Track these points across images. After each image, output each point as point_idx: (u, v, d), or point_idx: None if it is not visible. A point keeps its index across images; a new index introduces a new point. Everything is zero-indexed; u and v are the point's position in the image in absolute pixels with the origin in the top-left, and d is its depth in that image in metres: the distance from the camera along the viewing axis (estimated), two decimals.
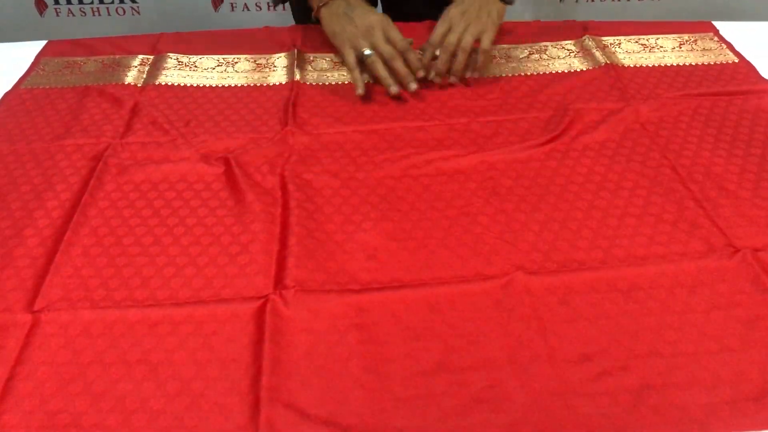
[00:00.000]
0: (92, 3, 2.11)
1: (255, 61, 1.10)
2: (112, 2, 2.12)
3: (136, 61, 1.10)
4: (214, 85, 1.04)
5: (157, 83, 1.04)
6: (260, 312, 0.67)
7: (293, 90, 1.02)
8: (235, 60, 1.10)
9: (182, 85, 1.04)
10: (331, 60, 1.10)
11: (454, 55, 1.00)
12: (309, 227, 0.77)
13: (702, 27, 1.17)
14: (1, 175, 0.85)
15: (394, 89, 0.98)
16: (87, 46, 1.14)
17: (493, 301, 0.68)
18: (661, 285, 0.69)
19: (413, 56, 1.00)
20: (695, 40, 1.13)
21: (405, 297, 0.69)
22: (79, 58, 1.11)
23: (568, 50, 1.11)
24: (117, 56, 1.11)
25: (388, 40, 0.99)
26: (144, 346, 0.64)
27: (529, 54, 1.10)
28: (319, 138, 0.92)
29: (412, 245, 0.75)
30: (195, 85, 1.04)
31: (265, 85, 1.04)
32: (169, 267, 0.73)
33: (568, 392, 0.60)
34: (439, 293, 0.69)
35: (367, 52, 0.99)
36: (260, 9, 2.06)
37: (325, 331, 0.66)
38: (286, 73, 1.07)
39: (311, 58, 1.10)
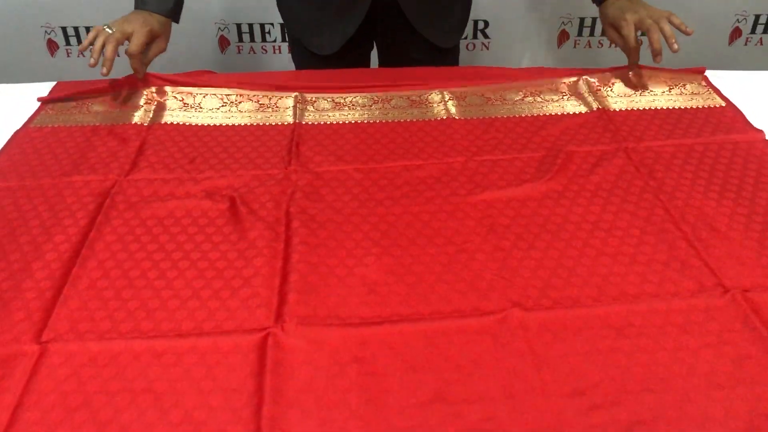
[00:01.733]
0: None
1: (258, 101, 1.13)
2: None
3: (142, 101, 1.13)
4: (218, 124, 1.07)
5: (163, 122, 1.07)
6: (262, 344, 0.69)
7: (295, 129, 1.05)
8: (239, 100, 1.13)
9: (187, 124, 1.07)
10: (332, 100, 1.13)
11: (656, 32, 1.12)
12: (311, 261, 0.79)
13: (692, 73, 1.20)
14: (10, 210, 0.87)
15: (91, 61, 1.08)
16: (94, 87, 1.17)
17: (489, 336, 0.70)
18: (652, 323, 0.71)
19: (135, 61, 1.11)
20: (684, 84, 1.16)
21: (404, 331, 0.70)
22: (86, 98, 1.14)
23: (561, 93, 1.15)
24: (123, 96, 1.14)
25: (126, 37, 1.11)
26: (148, 376, 0.66)
27: (524, 97, 1.14)
28: (321, 176, 0.94)
29: (411, 280, 0.77)
30: (200, 124, 1.07)
31: (268, 124, 1.07)
32: (174, 300, 0.74)
33: (561, 426, 0.61)
34: (437, 327, 0.71)
35: (106, 29, 1.11)
36: (266, 52, 2.10)
37: (325, 364, 0.67)
38: (288, 113, 1.10)
39: (313, 99, 1.14)
